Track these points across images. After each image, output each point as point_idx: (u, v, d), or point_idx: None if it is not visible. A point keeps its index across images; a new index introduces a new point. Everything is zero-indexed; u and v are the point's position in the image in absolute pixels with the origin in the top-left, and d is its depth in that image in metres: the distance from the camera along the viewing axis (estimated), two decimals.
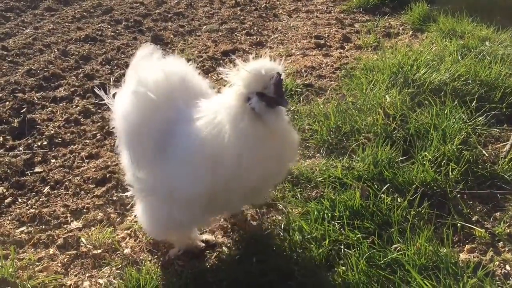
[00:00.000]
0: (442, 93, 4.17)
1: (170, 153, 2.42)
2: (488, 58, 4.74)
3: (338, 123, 3.95)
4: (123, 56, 5.76)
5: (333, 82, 4.95)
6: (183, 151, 2.40)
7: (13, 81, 4.93)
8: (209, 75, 5.31)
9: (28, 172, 3.72)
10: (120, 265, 2.81)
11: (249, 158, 2.32)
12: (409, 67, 4.56)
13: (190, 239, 2.84)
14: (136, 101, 2.42)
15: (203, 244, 2.90)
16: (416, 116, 3.88)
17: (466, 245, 2.82)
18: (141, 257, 2.86)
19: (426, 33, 6.05)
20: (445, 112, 3.81)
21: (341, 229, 2.89)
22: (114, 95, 2.60)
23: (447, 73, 4.42)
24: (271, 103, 2.33)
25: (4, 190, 3.48)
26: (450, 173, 3.26)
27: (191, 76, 2.69)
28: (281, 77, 2.32)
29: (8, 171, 3.66)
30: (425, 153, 3.43)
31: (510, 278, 2.56)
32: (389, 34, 6.20)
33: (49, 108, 4.57)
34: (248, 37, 6.47)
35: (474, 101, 3.98)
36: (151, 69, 2.49)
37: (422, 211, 3.00)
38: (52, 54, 5.69)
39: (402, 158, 3.47)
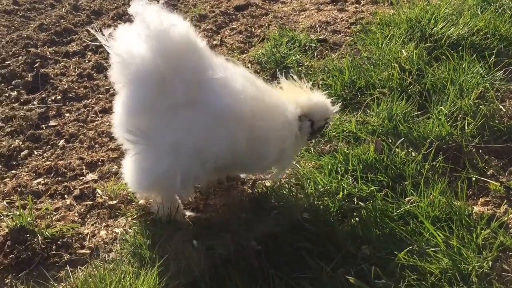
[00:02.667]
0: (460, 47, 4.08)
1: (201, 107, 2.33)
2: (509, 12, 4.58)
3: (353, 78, 3.90)
4: None
5: (348, 37, 4.85)
6: (219, 108, 2.34)
7: (25, 35, 4.90)
8: (222, 30, 5.23)
9: (43, 125, 3.75)
10: (136, 216, 2.85)
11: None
12: (427, 21, 4.45)
13: (173, 206, 2.70)
14: (159, 44, 2.24)
15: (187, 214, 2.81)
16: (432, 70, 3.82)
17: (480, 199, 2.82)
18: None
19: None
20: (463, 66, 3.74)
21: (355, 182, 2.90)
22: (110, 35, 2.38)
23: (465, 27, 4.31)
24: (313, 133, 2.76)
25: (20, 143, 3.51)
26: (466, 128, 3.23)
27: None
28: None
29: (24, 124, 3.69)
30: (441, 107, 3.38)
31: None
32: None
33: (62, 63, 4.55)
34: None
35: (493, 56, 3.89)
36: (166, 16, 2.32)
37: (437, 165, 2.98)
38: (63, 9, 5.61)
39: (418, 113, 3.44)
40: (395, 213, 2.64)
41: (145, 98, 2.34)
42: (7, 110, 3.84)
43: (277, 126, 2.54)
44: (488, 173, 2.98)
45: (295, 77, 2.78)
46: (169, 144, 2.36)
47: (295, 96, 2.70)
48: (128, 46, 2.32)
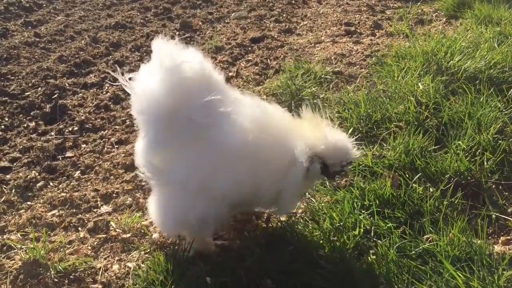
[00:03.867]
0: (477, 81, 4.06)
1: (208, 145, 2.33)
2: None
3: (369, 111, 3.88)
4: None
5: (363, 70, 4.86)
6: (226, 147, 2.32)
7: (45, 67, 5.00)
8: (238, 62, 5.28)
9: (59, 156, 3.78)
10: (149, 250, 2.83)
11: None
12: (443, 54, 4.45)
13: (204, 241, 2.70)
14: (170, 80, 2.27)
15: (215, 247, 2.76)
16: (449, 104, 3.78)
17: (501, 237, 2.74)
18: (169, 242, 2.86)
19: (461, 19, 5.89)
20: (481, 100, 3.70)
21: (371, 218, 2.84)
22: (130, 78, 2.43)
23: (482, 61, 4.29)
24: (328, 175, 2.56)
25: (36, 174, 3.53)
26: (485, 163, 3.17)
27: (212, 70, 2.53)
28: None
29: (40, 155, 3.72)
30: (459, 142, 3.33)
31: None
32: (421, 21, 6.05)
33: (80, 94, 4.63)
34: (277, 24, 6.41)
35: (511, 90, 3.85)
36: (179, 53, 2.36)
37: (456, 202, 2.92)
38: (83, 41, 5.75)
39: (435, 147, 3.40)
40: (413, 252, 2.57)
41: (157, 133, 2.35)
42: (24, 141, 3.89)
43: (279, 167, 2.45)
44: (509, 210, 2.91)
45: (320, 107, 2.60)
46: (179, 181, 2.36)
47: (312, 131, 2.52)
48: (143, 84, 2.36)
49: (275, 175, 2.46)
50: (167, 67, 2.27)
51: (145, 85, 2.35)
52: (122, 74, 2.42)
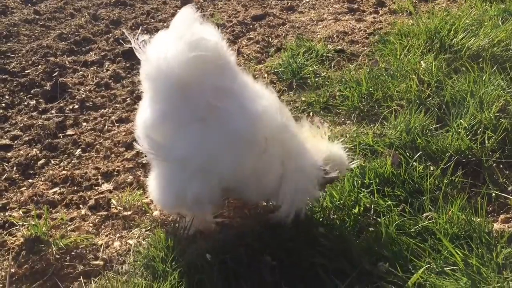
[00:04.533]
0: (481, 59, 4.02)
1: (213, 125, 2.27)
2: None
3: (370, 89, 3.86)
4: (152, 20, 5.72)
5: (365, 48, 4.82)
6: (231, 129, 2.28)
7: (45, 45, 4.97)
8: (239, 40, 5.24)
9: (60, 134, 3.78)
10: (150, 227, 2.85)
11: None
12: (446, 32, 4.40)
13: (204, 219, 2.69)
14: (189, 55, 2.19)
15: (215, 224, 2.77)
16: (452, 82, 3.76)
17: (501, 215, 2.75)
18: (170, 219, 2.88)
19: None
20: (483, 78, 3.67)
21: (371, 196, 2.85)
22: (143, 41, 2.35)
23: (486, 39, 4.25)
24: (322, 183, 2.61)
25: (37, 152, 3.54)
26: (486, 142, 3.16)
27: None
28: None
29: (41, 133, 3.72)
30: (461, 120, 3.32)
31: None
32: None
33: (80, 72, 4.60)
34: (278, 2, 6.33)
35: None
36: (199, 28, 2.29)
37: (456, 180, 2.92)
38: (83, 19, 5.70)
39: (436, 125, 3.38)
40: (412, 229, 2.58)
41: (165, 107, 2.30)
42: (25, 119, 3.89)
43: (304, 168, 2.50)
44: (509, 189, 2.91)
45: (318, 123, 2.68)
46: (179, 159, 2.31)
47: (315, 142, 2.61)
48: (158, 50, 2.28)
49: (276, 167, 2.45)
50: (185, 40, 2.20)
51: (159, 53, 2.26)
52: (135, 37, 2.34)
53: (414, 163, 3.03)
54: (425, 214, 2.68)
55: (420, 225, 2.59)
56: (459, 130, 3.23)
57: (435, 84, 3.77)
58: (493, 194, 2.85)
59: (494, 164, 3.07)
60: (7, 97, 4.17)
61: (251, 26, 5.60)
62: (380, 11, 5.78)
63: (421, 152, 3.12)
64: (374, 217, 2.73)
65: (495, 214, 2.79)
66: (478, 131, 3.22)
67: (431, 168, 3.02)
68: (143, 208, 2.98)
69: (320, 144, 2.61)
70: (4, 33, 5.22)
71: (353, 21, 5.51)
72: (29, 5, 6.15)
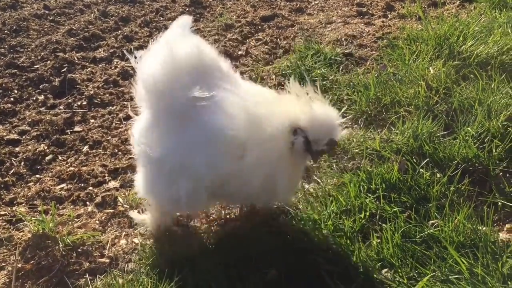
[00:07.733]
0: (489, 66, 4.02)
1: (193, 127, 2.30)
2: None
3: (378, 94, 3.86)
4: (161, 18, 5.73)
5: (374, 52, 4.82)
6: (211, 131, 2.28)
7: (54, 40, 4.98)
8: (247, 40, 5.25)
9: (68, 130, 3.79)
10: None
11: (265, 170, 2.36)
12: (456, 38, 4.39)
13: (167, 221, 2.71)
14: (166, 64, 2.31)
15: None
16: (460, 90, 3.75)
17: (507, 225, 2.75)
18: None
19: (475, 3, 5.77)
20: (492, 86, 3.67)
21: (377, 202, 2.85)
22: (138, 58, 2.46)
23: (495, 46, 4.24)
24: (312, 153, 2.38)
25: (45, 147, 3.56)
26: (494, 150, 3.15)
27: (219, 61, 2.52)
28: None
29: (49, 129, 3.74)
30: (468, 128, 3.32)
31: None
32: (435, 3, 5.95)
33: (89, 69, 4.62)
34: (287, 3, 6.33)
35: None
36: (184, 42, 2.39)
37: (462, 188, 2.92)
38: (92, 15, 5.71)
39: (444, 132, 3.38)
40: (418, 237, 2.59)
41: (152, 114, 2.42)
42: (33, 114, 3.90)
43: (264, 138, 2.31)
44: None
45: (307, 83, 2.43)
46: (157, 159, 2.33)
47: (297, 105, 2.36)
48: (147, 64, 2.41)
49: (260, 161, 2.35)
50: (165, 51, 2.32)
51: (147, 65, 2.40)
52: (130, 51, 2.48)
53: (421, 170, 3.03)
54: (431, 222, 2.69)
55: (425, 232, 2.59)
56: (467, 138, 3.23)
57: (443, 91, 3.77)
58: (500, 203, 2.85)
59: (501, 173, 3.07)
60: (15, 91, 4.18)
61: (259, 27, 5.60)
62: (389, 15, 5.77)
63: (428, 159, 3.13)
64: (379, 223, 2.73)
65: (501, 223, 2.79)
66: (486, 140, 3.22)
67: (438, 175, 3.03)
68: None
69: (308, 106, 2.33)
70: (14, 27, 5.23)
71: (362, 24, 5.51)
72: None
